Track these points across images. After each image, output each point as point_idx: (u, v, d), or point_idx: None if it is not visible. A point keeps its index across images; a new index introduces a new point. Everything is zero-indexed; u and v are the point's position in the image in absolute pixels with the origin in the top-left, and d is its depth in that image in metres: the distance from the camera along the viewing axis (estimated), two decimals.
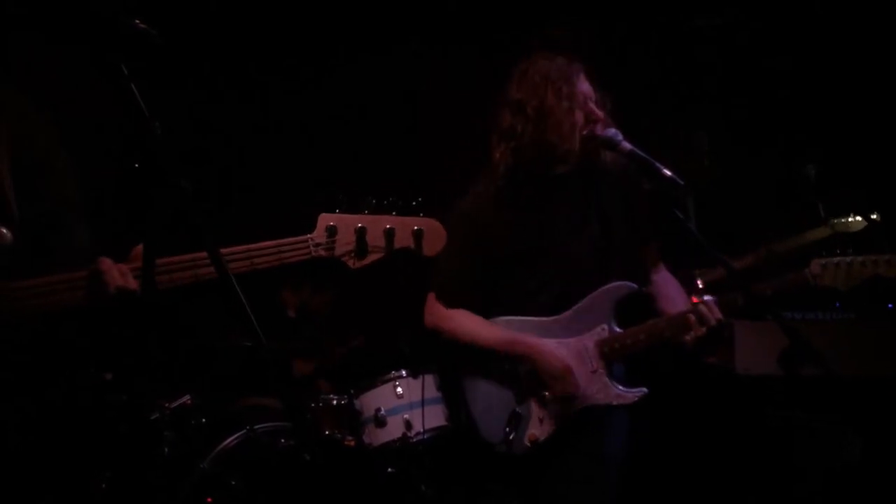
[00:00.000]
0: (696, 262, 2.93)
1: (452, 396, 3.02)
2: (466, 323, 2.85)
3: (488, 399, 2.80)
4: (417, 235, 2.03)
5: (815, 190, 4.10)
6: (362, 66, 5.42)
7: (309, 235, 2.00)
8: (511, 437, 2.70)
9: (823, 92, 4.75)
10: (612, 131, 2.68)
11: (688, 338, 2.68)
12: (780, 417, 3.70)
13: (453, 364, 2.93)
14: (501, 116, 2.83)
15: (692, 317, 2.66)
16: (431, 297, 2.91)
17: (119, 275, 1.93)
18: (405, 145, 5.25)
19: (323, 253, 1.99)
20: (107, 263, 1.95)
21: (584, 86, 2.76)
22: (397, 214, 2.03)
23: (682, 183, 2.50)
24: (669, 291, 2.91)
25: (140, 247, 1.94)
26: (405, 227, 2.03)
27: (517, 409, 2.74)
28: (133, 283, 1.93)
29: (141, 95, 1.66)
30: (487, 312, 2.86)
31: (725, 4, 5.01)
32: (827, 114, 4.71)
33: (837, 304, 3.61)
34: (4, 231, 1.92)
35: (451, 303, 2.87)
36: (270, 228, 2.10)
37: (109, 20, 1.68)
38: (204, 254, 1.92)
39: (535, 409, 2.75)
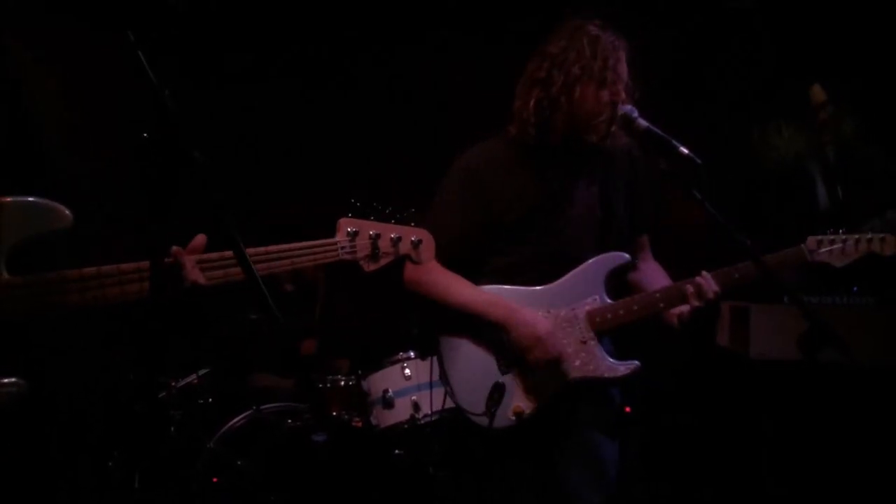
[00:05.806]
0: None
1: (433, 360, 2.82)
2: (447, 279, 2.72)
3: (469, 366, 2.69)
4: (416, 245, 2.16)
5: (834, 173, 4.04)
6: (362, 67, 5.34)
7: (336, 238, 2.06)
8: (493, 409, 2.57)
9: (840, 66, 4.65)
10: (629, 108, 2.61)
11: (682, 310, 2.64)
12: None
13: (431, 324, 2.80)
14: (536, 66, 2.75)
15: (690, 288, 2.61)
16: None
17: (192, 267, 1.83)
18: (405, 147, 5.18)
19: (347, 257, 2.06)
20: (181, 254, 1.83)
21: (622, 67, 2.70)
22: (396, 223, 2.17)
23: (699, 161, 2.44)
24: (656, 277, 2.85)
25: (201, 236, 1.86)
26: (406, 236, 2.17)
27: (500, 380, 2.63)
28: (202, 278, 1.84)
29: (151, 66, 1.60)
30: (476, 280, 2.75)
31: None
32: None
33: (855, 289, 3.55)
34: (68, 212, 1.78)
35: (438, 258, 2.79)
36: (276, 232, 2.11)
37: None
38: (274, 248, 1.96)
39: (520, 381, 2.65)
